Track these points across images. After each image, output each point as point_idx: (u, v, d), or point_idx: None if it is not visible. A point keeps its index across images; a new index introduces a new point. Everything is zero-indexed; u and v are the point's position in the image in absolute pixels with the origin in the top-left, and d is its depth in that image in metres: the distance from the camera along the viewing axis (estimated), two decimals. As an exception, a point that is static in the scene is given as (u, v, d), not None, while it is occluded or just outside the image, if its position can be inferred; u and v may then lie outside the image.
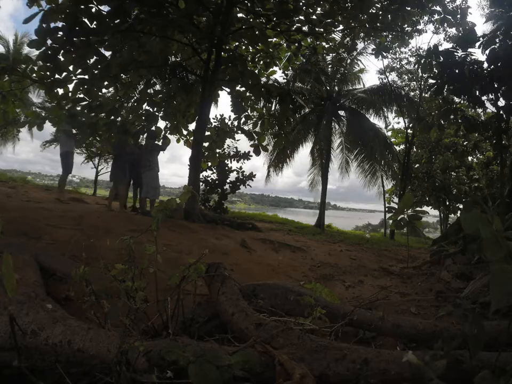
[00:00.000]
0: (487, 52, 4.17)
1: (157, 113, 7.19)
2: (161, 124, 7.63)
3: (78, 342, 1.10)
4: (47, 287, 1.62)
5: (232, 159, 8.76)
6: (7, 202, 5.23)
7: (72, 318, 1.22)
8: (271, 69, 7.36)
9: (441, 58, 4.38)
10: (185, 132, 7.79)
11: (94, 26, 5.05)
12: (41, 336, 1.12)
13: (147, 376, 0.98)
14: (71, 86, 5.84)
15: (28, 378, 0.91)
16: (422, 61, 4.67)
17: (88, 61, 5.46)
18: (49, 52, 5.04)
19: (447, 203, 19.32)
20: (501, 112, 4.67)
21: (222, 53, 6.21)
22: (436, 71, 4.53)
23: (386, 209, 14.81)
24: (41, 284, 1.52)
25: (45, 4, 5.12)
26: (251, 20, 6.30)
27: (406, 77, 15.31)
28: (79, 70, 5.53)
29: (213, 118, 8.30)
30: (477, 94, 4.39)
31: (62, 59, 5.24)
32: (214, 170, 8.74)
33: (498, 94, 4.42)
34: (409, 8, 5.64)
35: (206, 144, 7.63)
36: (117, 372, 1.00)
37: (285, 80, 9.12)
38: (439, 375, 0.66)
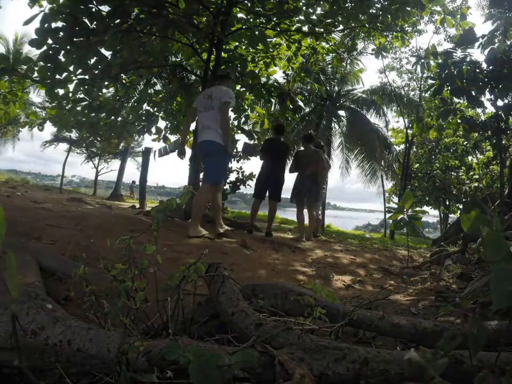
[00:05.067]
0: (485, 52, 4.18)
1: (157, 113, 7.20)
2: (162, 123, 7.64)
3: (78, 342, 1.10)
4: (47, 287, 1.62)
5: (232, 159, 8.77)
6: (7, 202, 5.23)
7: (72, 318, 1.22)
8: (271, 69, 7.36)
9: (440, 59, 4.39)
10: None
11: (94, 26, 5.06)
12: (41, 336, 1.12)
13: (147, 376, 0.98)
14: (71, 86, 5.85)
15: (28, 378, 0.91)
16: (421, 62, 4.69)
17: (88, 61, 5.47)
18: (50, 52, 5.05)
19: (447, 203, 19.32)
20: (500, 112, 4.68)
21: (222, 53, 6.21)
22: (434, 71, 4.55)
23: (386, 209, 14.82)
24: (41, 284, 1.52)
25: (46, 4, 5.13)
26: (251, 20, 6.30)
27: (406, 77, 15.34)
28: (80, 70, 5.54)
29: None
30: (476, 94, 4.40)
31: (63, 59, 5.25)
32: (214, 170, 8.73)
33: (497, 94, 4.43)
34: (409, 8, 5.65)
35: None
36: (117, 372, 1.00)
37: (285, 80, 9.13)
38: (440, 374, 0.66)
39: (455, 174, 17.75)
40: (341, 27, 6.23)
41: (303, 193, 5.89)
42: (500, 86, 4.24)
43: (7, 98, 6.07)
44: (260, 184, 5.95)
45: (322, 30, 6.19)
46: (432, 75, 4.80)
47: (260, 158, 6.04)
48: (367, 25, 6.01)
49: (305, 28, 6.27)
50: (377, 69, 15.07)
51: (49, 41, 5.03)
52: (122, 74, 6.34)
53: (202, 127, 4.29)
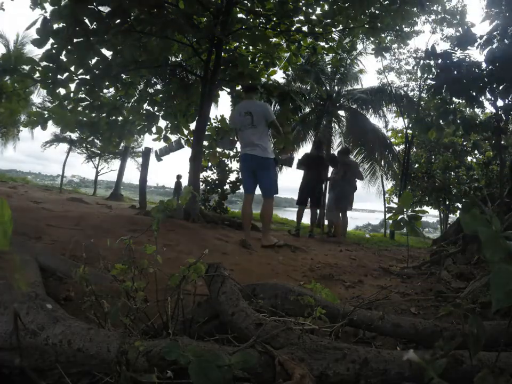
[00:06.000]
0: (485, 52, 4.16)
1: (157, 113, 7.21)
2: (162, 123, 7.64)
3: (78, 342, 1.10)
4: (47, 287, 1.62)
5: (233, 159, 8.78)
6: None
7: (72, 318, 1.22)
8: (271, 69, 7.36)
9: (439, 60, 4.38)
10: (186, 132, 7.79)
11: (95, 26, 5.06)
12: (41, 336, 1.12)
13: (147, 376, 0.98)
14: (72, 86, 5.87)
15: (27, 377, 0.91)
16: (421, 63, 4.68)
17: (90, 62, 5.47)
18: (53, 52, 5.07)
19: (447, 203, 19.31)
20: (500, 112, 4.67)
21: (222, 53, 6.21)
22: (434, 71, 4.54)
23: (386, 209, 14.81)
24: (41, 284, 1.52)
25: (47, 5, 5.13)
26: (251, 20, 6.30)
27: (405, 77, 15.34)
28: (81, 70, 5.55)
29: (213, 119, 8.31)
30: (475, 94, 4.38)
31: (65, 60, 5.27)
32: (214, 170, 8.76)
33: (497, 94, 4.42)
34: (408, 8, 5.64)
35: (206, 143, 7.64)
36: (117, 372, 1.00)
37: (285, 80, 9.12)
38: (439, 374, 0.66)
39: (455, 174, 17.74)
40: (341, 27, 6.22)
41: (343, 199, 7.07)
42: (501, 87, 4.23)
43: (10, 97, 6.12)
44: (302, 194, 7.12)
45: (322, 30, 6.19)
46: (431, 76, 4.78)
47: (297, 168, 7.19)
48: (366, 26, 6.00)
49: (305, 28, 6.27)
50: (376, 70, 15.11)
51: (51, 40, 5.04)
52: (122, 74, 6.34)
53: (249, 143, 4.50)
